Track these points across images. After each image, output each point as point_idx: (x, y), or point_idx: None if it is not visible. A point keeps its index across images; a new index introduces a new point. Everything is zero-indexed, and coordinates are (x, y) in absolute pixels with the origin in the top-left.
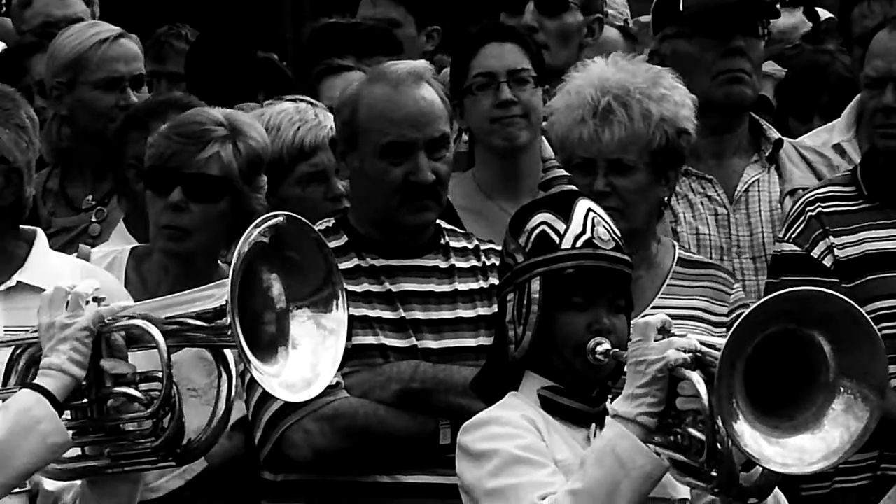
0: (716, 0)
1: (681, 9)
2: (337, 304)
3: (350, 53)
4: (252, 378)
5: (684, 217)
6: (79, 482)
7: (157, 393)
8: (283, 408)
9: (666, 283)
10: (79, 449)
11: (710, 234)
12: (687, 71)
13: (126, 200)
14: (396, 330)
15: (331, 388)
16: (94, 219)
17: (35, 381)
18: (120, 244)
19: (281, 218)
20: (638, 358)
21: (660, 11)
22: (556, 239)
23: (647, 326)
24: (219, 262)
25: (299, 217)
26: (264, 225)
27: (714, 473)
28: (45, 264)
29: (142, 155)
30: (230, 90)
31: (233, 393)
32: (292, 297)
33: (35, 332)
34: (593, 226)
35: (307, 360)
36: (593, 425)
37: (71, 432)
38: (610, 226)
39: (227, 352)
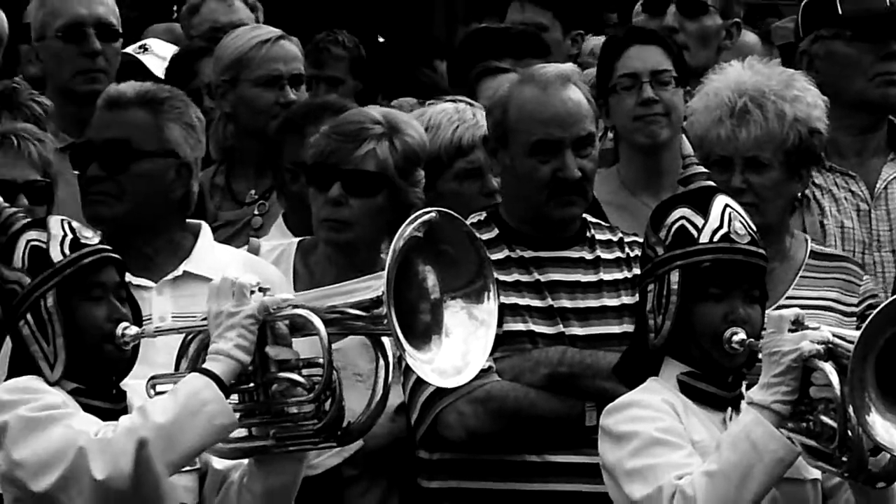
0: (876, 6)
1: (839, 12)
2: (488, 296)
3: (506, 56)
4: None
5: (830, 211)
6: (246, 461)
7: (319, 378)
8: (438, 390)
9: (799, 275)
10: (246, 430)
11: (853, 229)
12: (842, 72)
13: (284, 198)
14: (545, 317)
15: (483, 372)
16: (256, 212)
17: (203, 366)
18: (279, 237)
19: (434, 213)
20: (772, 349)
21: (811, 14)
22: (695, 233)
23: (782, 319)
24: (381, 252)
25: (451, 212)
26: (418, 221)
27: (844, 459)
28: (210, 255)
29: (297, 158)
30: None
31: (390, 378)
32: (446, 289)
33: (204, 319)
34: (730, 221)
35: (459, 349)
36: (729, 409)
37: (238, 414)
38: (746, 221)
39: (385, 339)
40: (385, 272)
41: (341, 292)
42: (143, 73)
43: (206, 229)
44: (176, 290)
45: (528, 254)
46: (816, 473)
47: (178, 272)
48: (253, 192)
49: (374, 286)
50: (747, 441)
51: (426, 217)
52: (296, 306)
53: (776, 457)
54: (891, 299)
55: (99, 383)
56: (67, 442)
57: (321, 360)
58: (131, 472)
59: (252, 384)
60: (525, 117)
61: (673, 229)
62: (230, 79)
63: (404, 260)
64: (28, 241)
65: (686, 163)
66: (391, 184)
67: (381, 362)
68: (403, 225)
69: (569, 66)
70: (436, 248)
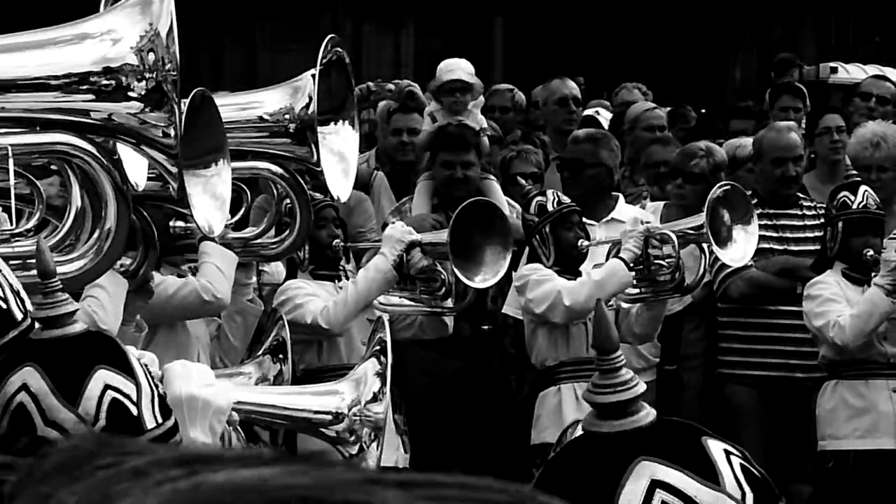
0: None
1: None
2: (753, 220)
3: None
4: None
5: None
6: (637, 304)
7: (673, 262)
8: (727, 275)
9: None
10: (639, 290)
11: None
12: None
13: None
14: (778, 242)
15: (747, 267)
16: (646, 191)
17: (617, 255)
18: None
19: (728, 185)
20: (886, 258)
21: None
22: (850, 203)
23: (891, 244)
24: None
25: (736, 184)
26: (720, 189)
27: None
28: (622, 210)
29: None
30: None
31: (707, 265)
32: (733, 220)
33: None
34: (867, 198)
35: (741, 248)
36: (866, 286)
37: (635, 280)
38: (875, 198)
39: (704, 244)
40: (704, 212)
41: (682, 223)
42: (593, 123)
43: (621, 197)
44: (606, 227)
45: (770, 211)
46: None
47: (608, 218)
48: (642, 180)
49: (698, 219)
50: (870, 301)
51: (725, 187)
52: (662, 230)
53: (883, 310)
54: None
55: (570, 270)
56: (553, 288)
57: (674, 254)
58: (584, 302)
59: (642, 267)
60: (769, 145)
61: (839, 201)
62: (629, 128)
63: (713, 207)
64: (536, 202)
65: (847, 169)
66: (706, 180)
67: (703, 256)
68: (713, 190)
69: (792, 123)
70: (728, 201)
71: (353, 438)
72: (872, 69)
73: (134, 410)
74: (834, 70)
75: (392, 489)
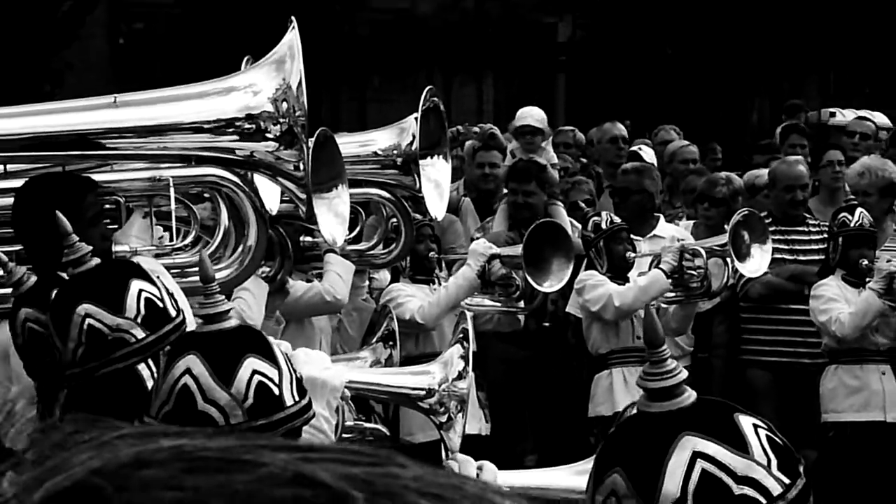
0: None
1: None
2: (768, 240)
3: None
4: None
5: None
6: (673, 306)
7: (703, 271)
8: (746, 281)
9: (889, 238)
10: (674, 293)
11: None
12: None
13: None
14: (789, 253)
15: (765, 273)
16: (682, 213)
17: (657, 266)
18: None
19: (748, 211)
20: (878, 266)
21: None
22: (848, 222)
23: (883, 257)
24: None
25: (753, 210)
26: (740, 214)
27: None
28: (663, 227)
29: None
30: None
31: (731, 273)
32: (752, 240)
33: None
34: (862, 218)
35: (757, 262)
36: (862, 289)
37: (672, 286)
38: (868, 217)
39: (727, 258)
40: (727, 233)
41: (710, 241)
42: (637, 157)
43: (661, 217)
44: (650, 242)
45: (782, 228)
46: None
47: (651, 234)
48: (679, 203)
49: (722, 238)
50: (866, 302)
51: (745, 212)
52: (693, 247)
53: (876, 309)
54: None
55: (620, 277)
56: (606, 291)
57: (703, 266)
58: (631, 303)
59: (677, 276)
60: (782, 175)
61: (839, 220)
62: (667, 161)
63: (735, 229)
64: (593, 222)
65: (846, 195)
66: (727, 203)
67: (726, 268)
68: (734, 216)
69: (800, 157)
70: (748, 223)
71: (442, 410)
72: (863, 113)
73: (276, 391)
74: (833, 114)
75: (281, 452)
